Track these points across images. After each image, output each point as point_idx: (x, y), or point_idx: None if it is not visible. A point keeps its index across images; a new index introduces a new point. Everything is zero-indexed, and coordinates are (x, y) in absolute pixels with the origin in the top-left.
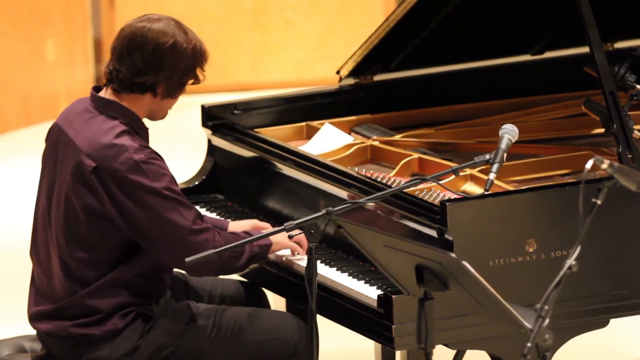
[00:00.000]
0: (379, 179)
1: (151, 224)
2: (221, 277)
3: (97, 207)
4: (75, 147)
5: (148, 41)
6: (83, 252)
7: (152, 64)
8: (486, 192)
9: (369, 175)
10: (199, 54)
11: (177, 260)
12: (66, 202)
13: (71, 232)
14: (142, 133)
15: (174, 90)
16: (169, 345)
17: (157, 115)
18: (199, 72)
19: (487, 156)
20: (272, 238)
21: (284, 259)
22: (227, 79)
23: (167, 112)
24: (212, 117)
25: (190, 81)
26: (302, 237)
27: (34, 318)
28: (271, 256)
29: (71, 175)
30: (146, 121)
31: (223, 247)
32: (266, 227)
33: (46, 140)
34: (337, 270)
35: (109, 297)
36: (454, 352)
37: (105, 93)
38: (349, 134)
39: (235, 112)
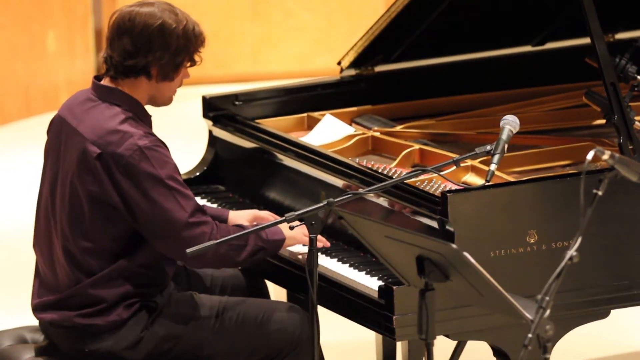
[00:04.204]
0: (380, 170)
1: (149, 212)
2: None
3: (100, 194)
4: (79, 135)
5: (135, 24)
6: (87, 241)
7: (141, 46)
8: (487, 183)
9: (370, 166)
10: (192, 34)
11: (173, 251)
12: (71, 190)
13: (75, 221)
14: (145, 119)
15: (169, 71)
16: (172, 337)
17: (159, 100)
18: (194, 53)
19: (488, 147)
20: (286, 233)
21: (299, 256)
22: (228, 70)
23: (171, 97)
24: (213, 108)
25: (187, 63)
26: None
27: (37, 309)
28: (285, 252)
29: (76, 163)
30: (151, 108)
31: (225, 238)
32: (267, 217)
33: (48, 132)
34: (338, 261)
35: (113, 287)
36: (455, 342)
37: (105, 81)
38: (350, 124)
39: (236, 103)
